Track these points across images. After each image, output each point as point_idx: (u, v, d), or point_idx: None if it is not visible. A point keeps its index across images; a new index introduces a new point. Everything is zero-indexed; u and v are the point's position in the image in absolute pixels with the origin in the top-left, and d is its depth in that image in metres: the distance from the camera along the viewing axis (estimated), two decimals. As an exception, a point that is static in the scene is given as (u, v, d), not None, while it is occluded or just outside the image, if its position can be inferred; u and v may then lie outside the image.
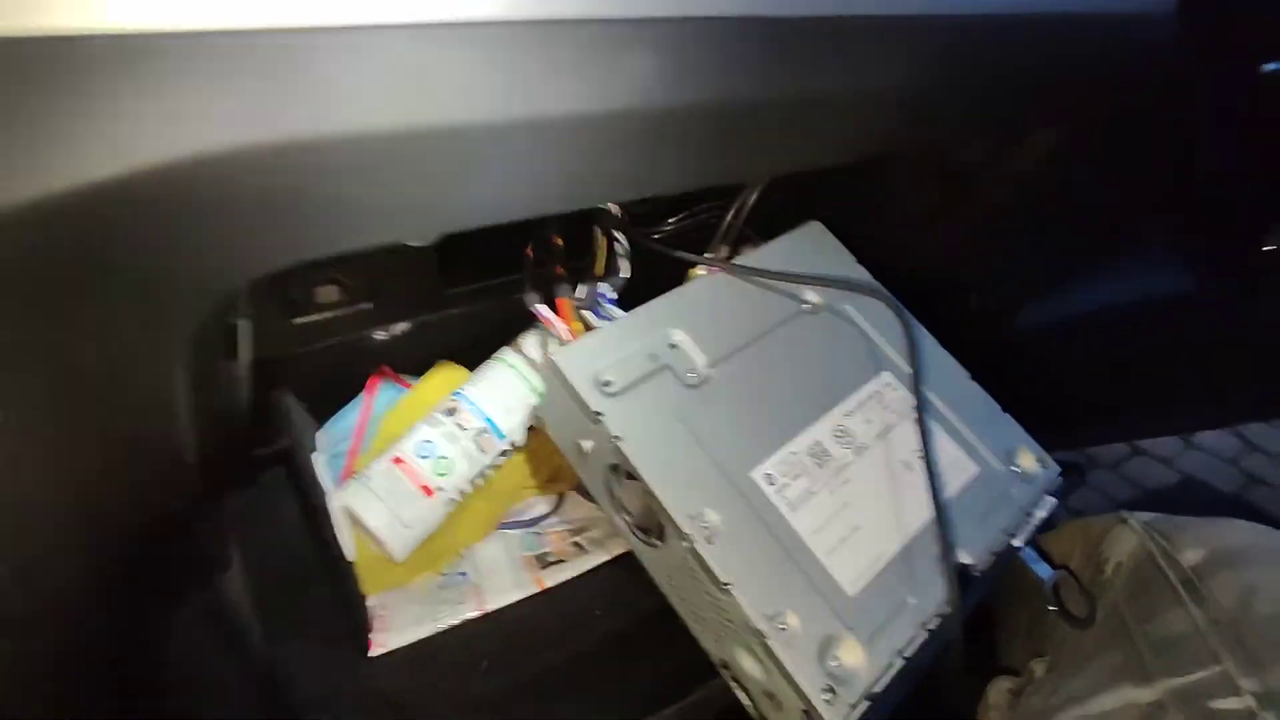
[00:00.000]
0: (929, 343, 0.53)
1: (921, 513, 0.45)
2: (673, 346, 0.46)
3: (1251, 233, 0.72)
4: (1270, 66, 0.65)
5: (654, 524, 0.42)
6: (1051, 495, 0.50)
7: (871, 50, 0.37)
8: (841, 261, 0.55)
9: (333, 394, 0.57)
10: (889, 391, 0.50)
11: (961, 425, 0.50)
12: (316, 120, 0.23)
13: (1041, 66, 0.45)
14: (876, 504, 0.45)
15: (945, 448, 0.48)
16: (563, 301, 0.48)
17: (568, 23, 0.27)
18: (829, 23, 0.34)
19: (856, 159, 0.42)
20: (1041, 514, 0.48)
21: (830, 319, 0.51)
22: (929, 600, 0.42)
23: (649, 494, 0.40)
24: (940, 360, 0.53)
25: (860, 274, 0.54)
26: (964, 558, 0.45)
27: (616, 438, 0.41)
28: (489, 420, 0.53)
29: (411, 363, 0.58)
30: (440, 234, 0.41)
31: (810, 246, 0.55)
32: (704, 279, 0.50)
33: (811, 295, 0.51)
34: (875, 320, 0.52)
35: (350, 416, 0.57)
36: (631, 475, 0.41)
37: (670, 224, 0.56)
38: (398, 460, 0.51)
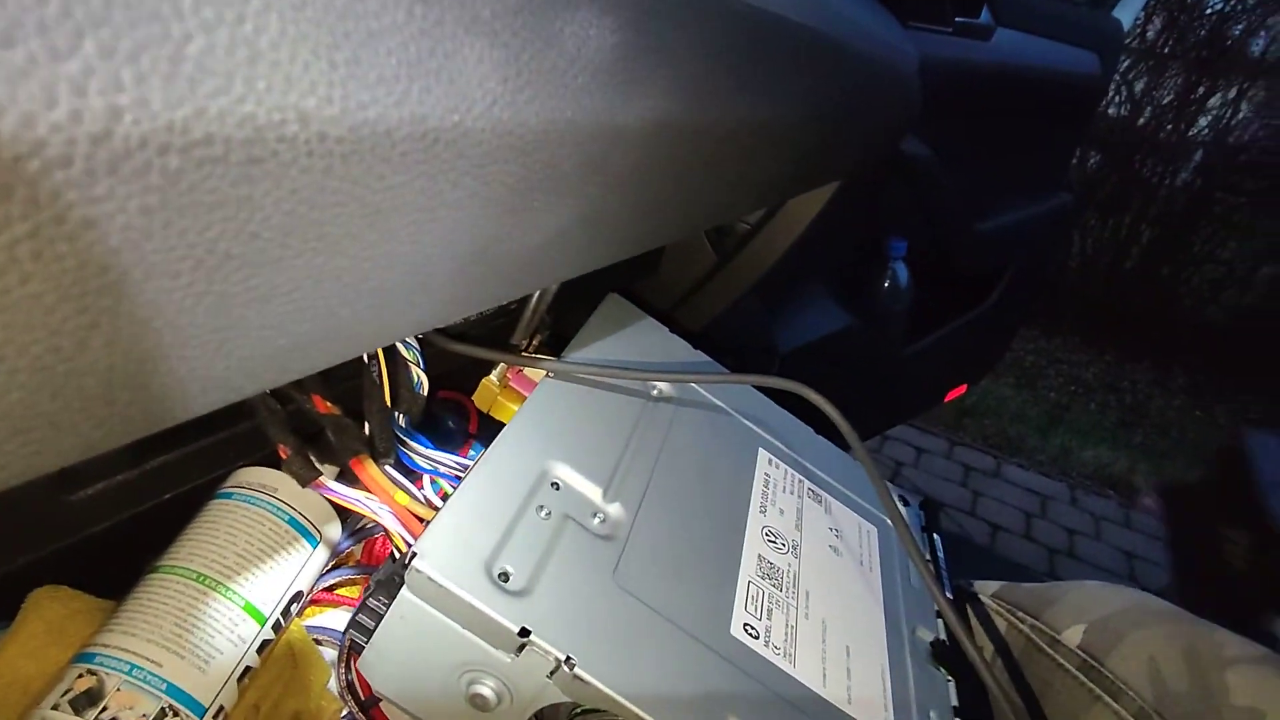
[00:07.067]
0: (775, 408, 0.46)
1: (873, 601, 0.38)
2: (556, 487, 0.31)
3: (870, 277, 0.89)
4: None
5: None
6: (926, 531, 0.47)
7: (784, 68, 0.29)
8: (656, 334, 0.46)
9: None
10: (774, 470, 0.41)
11: (843, 487, 0.44)
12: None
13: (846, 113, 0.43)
14: (842, 611, 0.35)
15: (849, 519, 0.42)
16: (360, 463, 0.29)
17: None
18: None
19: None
20: (941, 555, 0.45)
21: (681, 402, 0.41)
22: (939, 701, 0.35)
23: (638, 729, 0.25)
24: (788, 421, 0.47)
25: (683, 349, 0.46)
26: (926, 634, 0.38)
27: (567, 660, 0.24)
28: (172, 689, 0.28)
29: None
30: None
31: (622, 324, 0.44)
32: (543, 386, 0.36)
33: (659, 381, 0.41)
34: (720, 393, 0.44)
35: None
36: (587, 710, 0.25)
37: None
38: None
